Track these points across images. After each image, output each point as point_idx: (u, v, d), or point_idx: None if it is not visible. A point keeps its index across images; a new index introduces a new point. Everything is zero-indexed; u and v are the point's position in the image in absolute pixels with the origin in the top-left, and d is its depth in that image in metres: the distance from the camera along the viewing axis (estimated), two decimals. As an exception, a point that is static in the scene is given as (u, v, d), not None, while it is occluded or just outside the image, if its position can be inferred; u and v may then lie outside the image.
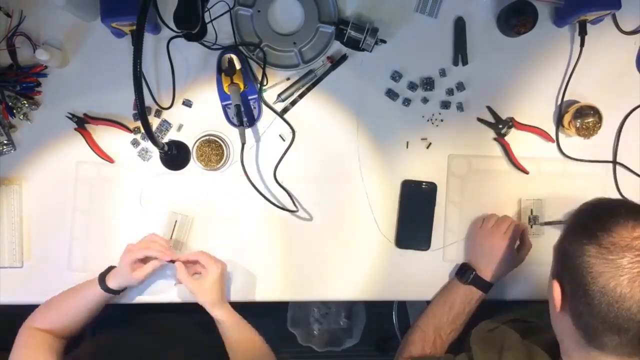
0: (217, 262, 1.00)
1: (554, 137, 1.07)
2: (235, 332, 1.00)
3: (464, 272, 1.01)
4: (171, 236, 1.06)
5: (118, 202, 1.07)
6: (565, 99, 1.07)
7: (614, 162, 1.08)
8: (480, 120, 1.06)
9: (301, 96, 1.06)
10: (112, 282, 0.98)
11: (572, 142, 1.08)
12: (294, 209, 1.05)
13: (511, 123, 1.06)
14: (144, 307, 1.07)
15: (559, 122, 1.07)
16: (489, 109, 1.06)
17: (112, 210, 1.07)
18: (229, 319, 1.00)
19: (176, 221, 1.06)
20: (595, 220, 0.68)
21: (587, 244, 0.67)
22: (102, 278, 0.99)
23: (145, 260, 0.99)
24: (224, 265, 1.01)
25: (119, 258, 0.99)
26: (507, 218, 1.02)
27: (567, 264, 0.70)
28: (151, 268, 0.98)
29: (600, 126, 1.03)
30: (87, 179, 1.07)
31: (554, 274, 0.74)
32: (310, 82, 1.06)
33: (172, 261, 0.99)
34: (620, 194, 1.08)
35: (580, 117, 1.03)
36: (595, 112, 1.03)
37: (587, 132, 1.03)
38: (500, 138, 1.06)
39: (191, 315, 1.09)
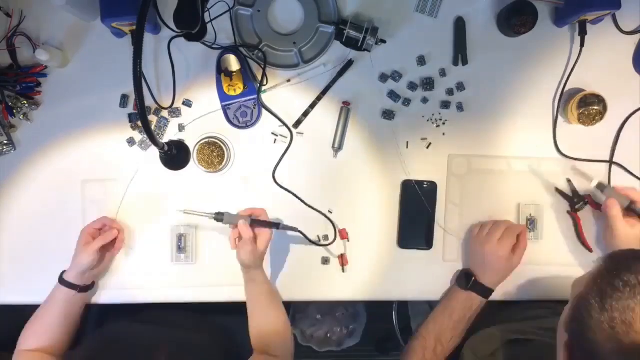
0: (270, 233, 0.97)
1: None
2: (265, 295, 1.00)
3: (464, 279, 1.01)
4: (178, 249, 1.06)
5: (117, 203, 1.07)
6: (561, 97, 1.07)
7: (611, 162, 1.08)
8: (557, 190, 1.07)
9: (312, 106, 1.06)
10: (69, 274, 0.98)
11: (572, 142, 1.08)
12: (327, 214, 1.06)
13: (586, 200, 1.06)
14: (148, 306, 1.08)
15: (555, 121, 1.07)
16: (569, 181, 1.07)
17: (112, 210, 1.07)
18: (265, 283, 1.00)
19: (181, 233, 1.06)
20: None
21: None
22: (61, 277, 0.99)
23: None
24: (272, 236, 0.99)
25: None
26: (501, 223, 1.02)
27: None
28: (101, 241, 0.98)
29: (602, 117, 1.03)
30: (88, 179, 1.07)
31: None
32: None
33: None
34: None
35: (585, 105, 1.03)
36: (600, 100, 1.03)
37: (588, 119, 1.03)
38: (572, 212, 1.06)
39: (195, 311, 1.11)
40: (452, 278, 1.08)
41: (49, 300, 0.99)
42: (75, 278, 0.98)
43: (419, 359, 0.98)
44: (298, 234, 1.01)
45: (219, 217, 0.95)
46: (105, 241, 1.00)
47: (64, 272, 1.00)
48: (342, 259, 1.07)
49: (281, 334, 0.99)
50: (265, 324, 1.00)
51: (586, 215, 1.07)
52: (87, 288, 1.01)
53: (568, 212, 1.07)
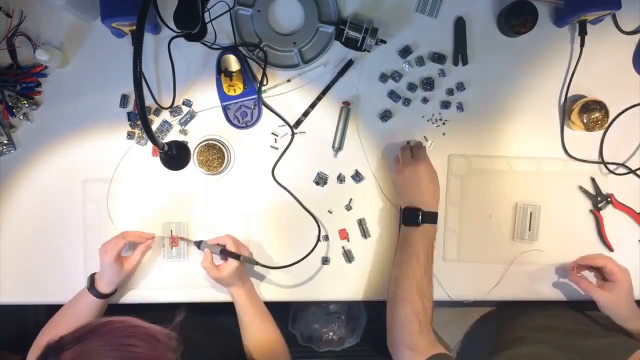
0: (242, 248, 1.02)
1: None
2: (249, 314, 1.02)
3: (411, 216, 0.96)
4: (171, 246, 1.06)
5: (118, 201, 1.07)
6: (566, 99, 1.07)
7: (604, 162, 1.08)
8: (581, 189, 1.07)
9: (312, 106, 1.07)
10: (105, 287, 0.99)
11: (572, 141, 1.08)
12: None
13: (610, 199, 1.07)
14: (148, 307, 1.07)
15: (562, 122, 1.07)
16: (592, 180, 1.07)
17: (114, 213, 1.07)
18: (245, 301, 1.02)
19: (171, 230, 1.06)
20: None
21: None
22: (92, 286, 0.99)
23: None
24: (248, 251, 1.04)
25: (100, 263, 0.99)
26: (407, 146, 1.03)
27: None
28: (139, 253, 1.02)
29: (606, 120, 1.04)
30: (88, 179, 1.07)
31: None
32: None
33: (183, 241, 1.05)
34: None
35: (587, 112, 1.03)
36: (601, 106, 1.03)
37: (595, 125, 1.03)
38: (595, 210, 1.07)
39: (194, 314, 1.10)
40: (452, 278, 1.08)
41: (76, 306, 1.00)
42: (111, 290, 1.01)
43: (417, 327, 0.91)
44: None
45: (197, 243, 1.03)
46: (144, 254, 1.04)
47: (94, 284, 1.00)
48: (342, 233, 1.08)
49: (271, 349, 1.00)
50: (254, 341, 1.01)
51: (608, 214, 1.08)
52: (113, 293, 1.03)
53: (591, 210, 1.08)
